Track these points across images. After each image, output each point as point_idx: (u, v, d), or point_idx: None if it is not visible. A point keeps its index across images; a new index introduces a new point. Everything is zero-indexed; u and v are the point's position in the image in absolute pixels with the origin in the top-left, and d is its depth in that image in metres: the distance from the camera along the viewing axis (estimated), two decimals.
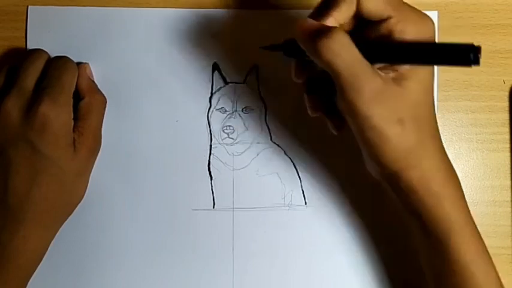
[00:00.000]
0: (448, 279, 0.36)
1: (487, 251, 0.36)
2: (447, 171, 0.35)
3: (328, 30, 0.31)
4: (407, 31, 0.32)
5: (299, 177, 0.44)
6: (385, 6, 0.32)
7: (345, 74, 0.31)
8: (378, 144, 0.33)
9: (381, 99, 0.31)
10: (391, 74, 0.32)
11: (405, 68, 0.32)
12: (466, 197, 0.44)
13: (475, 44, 0.29)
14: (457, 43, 0.30)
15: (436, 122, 0.35)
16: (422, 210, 0.35)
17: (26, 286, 0.40)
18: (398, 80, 0.32)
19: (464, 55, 0.29)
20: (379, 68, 0.32)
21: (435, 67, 0.36)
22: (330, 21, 0.32)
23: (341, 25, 0.33)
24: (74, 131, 0.40)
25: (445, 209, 0.35)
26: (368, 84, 0.31)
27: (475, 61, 0.29)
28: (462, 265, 0.35)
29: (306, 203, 0.44)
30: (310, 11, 0.44)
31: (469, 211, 0.36)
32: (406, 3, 0.33)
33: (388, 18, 0.32)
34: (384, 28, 0.32)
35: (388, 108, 0.32)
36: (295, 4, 0.45)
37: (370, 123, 0.32)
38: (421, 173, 0.34)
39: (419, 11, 0.33)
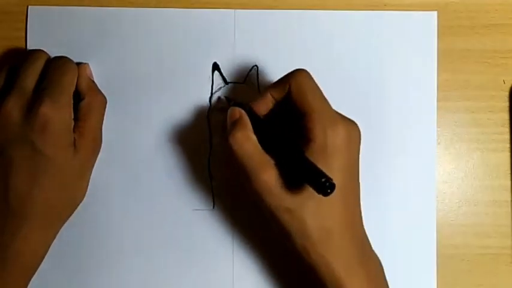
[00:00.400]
0: None
1: None
2: (358, 257, 0.37)
3: (239, 125, 0.37)
4: (315, 130, 0.35)
5: None
6: (306, 103, 0.36)
7: (243, 164, 0.36)
8: (272, 224, 0.37)
9: (270, 190, 0.35)
10: None
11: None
12: (466, 197, 0.44)
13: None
14: (320, 173, 0.32)
15: (349, 215, 0.37)
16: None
17: (27, 286, 0.40)
18: None
19: (317, 179, 0.32)
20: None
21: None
22: (269, 97, 0.38)
23: (277, 101, 0.38)
24: (74, 131, 0.40)
25: None
26: (261, 175, 0.35)
27: (323, 188, 0.31)
28: None
29: None
30: (309, 11, 0.44)
31: None
32: (328, 108, 0.36)
33: (305, 114, 0.36)
34: (302, 121, 0.36)
35: (276, 198, 0.35)
36: (295, 4, 0.45)
37: (262, 207, 0.37)
38: (320, 257, 0.36)
39: (339, 118, 0.36)
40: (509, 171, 0.44)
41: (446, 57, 0.44)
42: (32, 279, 0.40)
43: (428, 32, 0.44)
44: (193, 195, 0.44)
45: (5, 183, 0.39)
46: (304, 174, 0.33)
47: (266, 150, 0.36)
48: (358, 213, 0.38)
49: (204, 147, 0.44)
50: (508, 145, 0.45)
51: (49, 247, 0.41)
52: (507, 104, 0.45)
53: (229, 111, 0.38)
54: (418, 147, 0.44)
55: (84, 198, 0.42)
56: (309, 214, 0.35)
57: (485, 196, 0.44)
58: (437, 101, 0.44)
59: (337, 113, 0.37)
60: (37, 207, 0.39)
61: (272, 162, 0.36)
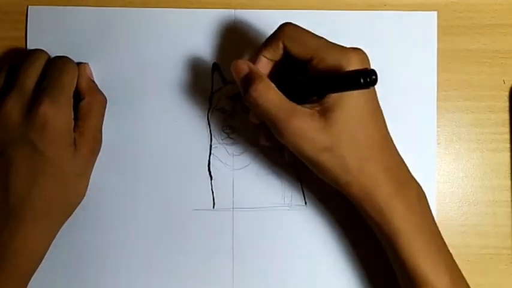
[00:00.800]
0: (401, 279, 0.39)
1: (449, 265, 0.38)
2: (395, 184, 0.37)
3: (256, 77, 0.36)
4: (329, 67, 0.36)
5: (299, 177, 0.44)
6: (306, 49, 0.36)
7: (271, 117, 0.36)
8: (314, 167, 0.38)
9: (304, 134, 0.36)
10: (317, 108, 0.36)
11: (328, 101, 0.36)
12: (466, 197, 0.44)
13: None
14: (356, 70, 0.34)
15: (382, 140, 0.38)
16: (369, 220, 0.39)
17: (26, 286, 0.40)
18: (323, 112, 0.36)
19: (357, 80, 0.32)
20: (310, 103, 0.36)
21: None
22: (262, 60, 0.38)
23: (274, 62, 0.38)
24: (74, 131, 0.40)
25: (390, 223, 0.37)
26: (291, 123, 0.35)
27: (369, 83, 0.32)
28: (411, 267, 0.37)
29: (306, 203, 0.44)
30: (309, 11, 0.44)
31: (423, 219, 0.38)
32: (327, 43, 0.37)
33: (312, 59, 0.36)
34: (310, 67, 0.36)
35: (312, 140, 0.36)
36: (295, 4, 0.45)
37: (301, 155, 0.37)
38: (361, 190, 0.37)
39: (344, 48, 0.36)
40: (509, 171, 0.44)
41: (446, 57, 0.44)
42: (32, 279, 0.40)
43: (429, 32, 0.44)
44: (193, 195, 0.44)
45: (5, 183, 0.39)
46: (342, 84, 0.34)
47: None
48: (390, 139, 0.39)
49: (204, 147, 0.44)
50: (508, 145, 0.45)
51: (48, 247, 0.41)
52: (507, 104, 0.45)
53: (232, 65, 0.38)
54: (418, 147, 0.44)
55: (84, 198, 0.42)
56: (346, 147, 0.36)
57: (485, 196, 0.44)
58: (437, 101, 0.44)
59: (339, 45, 0.37)
60: (36, 207, 0.39)
61: (299, 107, 0.36)
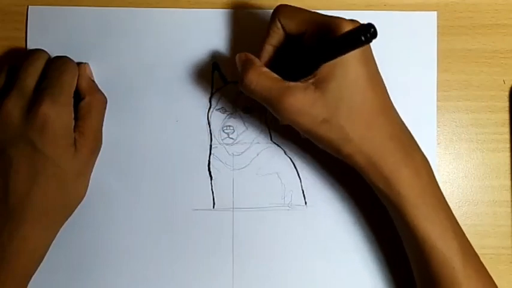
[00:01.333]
0: (408, 248, 0.39)
1: (456, 231, 0.37)
2: (401, 152, 0.37)
3: (248, 64, 0.37)
4: (322, 36, 0.36)
5: (299, 177, 0.44)
6: (299, 23, 0.37)
7: (265, 99, 0.37)
8: (316, 141, 0.38)
9: (300, 109, 0.36)
10: (311, 80, 0.36)
11: (322, 72, 0.36)
12: (466, 197, 0.44)
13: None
14: (352, 29, 0.33)
15: (383, 106, 0.37)
16: (375, 188, 0.38)
17: (26, 286, 0.40)
18: (317, 84, 0.36)
19: (357, 36, 0.31)
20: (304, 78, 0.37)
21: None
22: (267, 48, 0.39)
23: (275, 47, 0.39)
24: (74, 131, 0.40)
25: (396, 191, 0.37)
26: (285, 101, 0.36)
27: (370, 38, 0.31)
28: (420, 235, 0.37)
29: (306, 203, 0.44)
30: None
31: (430, 186, 0.38)
32: (319, 15, 0.37)
33: (305, 32, 0.37)
34: (306, 41, 0.37)
35: (309, 114, 0.36)
36: (295, 4, 0.44)
37: (301, 129, 0.37)
38: (365, 159, 0.37)
39: (333, 16, 0.36)
40: (509, 171, 0.44)
41: (446, 57, 0.44)
42: (32, 279, 0.40)
43: (428, 32, 0.44)
44: (193, 195, 0.44)
45: (5, 183, 0.39)
46: (338, 47, 0.33)
47: (284, 78, 0.37)
48: (391, 105, 0.39)
49: (204, 147, 0.44)
50: (508, 145, 0.45)
51: (49, 247, 0.41)
52: (507, 104, 0.45)
53: (236, 57, 0.39)
54: None
55: (84, 198, 0.42)
56: (345, 117, 0.36)
57: (485, 196, 0.44)
58: (437, 101, 0.44)
59: (325, 16, 0.38)
60: (36, 207, 0.39)
61: (292, 84, 0.36)
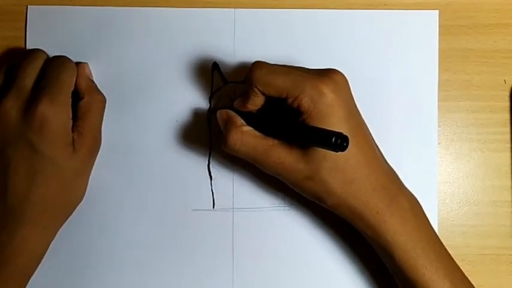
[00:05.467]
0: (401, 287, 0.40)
1: (448, 268, 0.38)
2: (385, 201, 0.38)
3: (230, 125, 0.38)
4: (303, 104, 0.36)
5: None
6: (277, 90, 0.37)
7: (250, 157, 0.38)
8: (301, 193, 0.39)
9: (284, 166, 0.37)
10: None
11: None
12: (467, 197, 0.44)
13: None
14: (329, 133, 0.33)
15: (367, 158, 0.38)
16: (364, 234, 0.39)
17: (25, 286, 0.40)
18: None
19: (328, 140, 0.32)
20: None
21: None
22: (249, 107, 0.39)
23: (260, 106, 0.39)
24: (73, 130, 0.40)
25: (384, 238, 0.38)
26: (270, 159, 0.37)
27: (339, 146, 0.32)
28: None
29: (306, 203, 0.44)
30: (309, 10, 0.44)
31: (419, 228, 0.38)
32: (298, 78, 0.36)
33: (286, 98, 0.37)
34: (288, 105, 0.37)
35: (293, 171, 0.37)
36: (295, 3, 0.44)
37: (287, 182, 0.39)
38: (349, 210, 0.38)
39: (317, 79, 0.36)
40: (510, 171, 0.44)
41: (447, 57, 0.44)
42: (31, 279, 0.40)
43: (430, 31, 0.44)
44: (193, 195, 0.44)
45: (3, 183, 0.39)
46: (314, 140, 0.34)
47: (266, 134, 0.38)
48: (376, 154, 0.39)
49: (204, 147, 0.44)
50: (509, 145, 0.44)
51: (48, 247, 0.41)
52: (508, 103, 0.44)
53: (217, 114, 0.40)
54: (418, 147, 0.44)
55: (84, 198, 0.42)
56: (328, 174, 0.37)
57: (486, 196, 0.44)
58: (438, 100, 0.44)
59: (311, 72, 0.37)
60: (35, 207, 0.39)
61: (276, 142, 0.37)
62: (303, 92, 0.36)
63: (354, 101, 0.38)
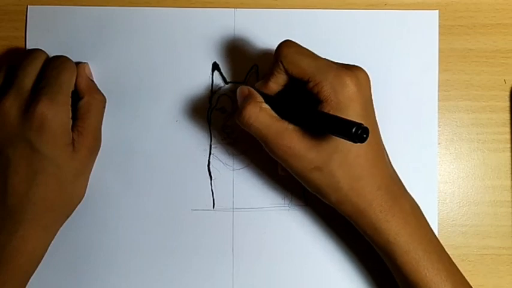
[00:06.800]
0: None
1: (449, 271, 0.38)
2: (389, 201, 0.38)
3: (249, 98, 0.37)
4: (323, 91, 0.36)
5: None
6: (302, 71, 0.36)
7: (262, 136, 0.36)
8: (305, 185, 0.38)
9: (294, 153, 0.36)
10: None
11: None
12: (467, 197, 0.44)
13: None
14: (349, 120, 0.32)
15: (376, 158, 0.37)
16: (365, 235, 0.39)
17: (25, 286, 0.40)
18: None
19: (348, 130, 0.32)
20: None
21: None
22: (271, 85, 0.38)
23: (281, 86, 0.38)
24: (73, 130, 0.40)
25: (385, 239, 0.37)
26: (281, 142, 0.36)
27: (358, 137, 0.31)
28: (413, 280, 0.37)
29: (306, 203, 0.44)
30: (310, 10, 0.44)
31: (419, 229, 0.38)
32: (324, 65, 0.36)
33: (308, 81, 0.36)
34: (308, 89, 0.37)
35: (303, 159, 0.36)
36: (295, 3, 0.44)
37: (292, 171, 0.38)
38: (353, 208, 0.38)
39: (342, 70, 0.36)
40: (510, 171, 0.44)
41: (447, 57, 0.44)
42: (31, 279, 0.40)
43: (430, 31, 0.44)
44: (193, 195, 0.44)
45: (3, 183, 0.39)
46: (334, 129, 0.33)
47: (284, 118, 0.37)
48: (384, 155, 0.39)
49: (204, 147, 0.44)
50: (509, 145, 0.44)
51: (48, 247, 0.41)
52: (508, 103, 0.44)
53: (238, 90, 0.39)
54: (419, 147, 0.44)
55: (84, 198, 0.42)
56: (337, 167, 0.36)
57: (486, 196, 0.44)
58: (438, 100, 0.44)
59: (337, 64, 0.37)
60: (35, 207, 0.39)
61: (291, 126, 0.36)
62: (326, 79, 0.36)
63: (372, 101, 0.38)
